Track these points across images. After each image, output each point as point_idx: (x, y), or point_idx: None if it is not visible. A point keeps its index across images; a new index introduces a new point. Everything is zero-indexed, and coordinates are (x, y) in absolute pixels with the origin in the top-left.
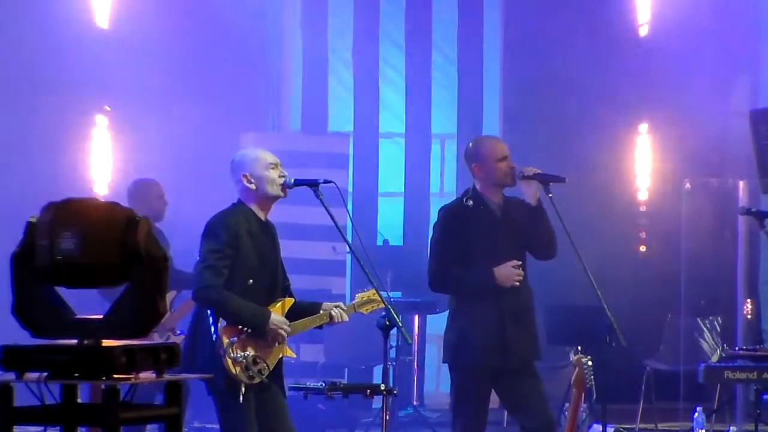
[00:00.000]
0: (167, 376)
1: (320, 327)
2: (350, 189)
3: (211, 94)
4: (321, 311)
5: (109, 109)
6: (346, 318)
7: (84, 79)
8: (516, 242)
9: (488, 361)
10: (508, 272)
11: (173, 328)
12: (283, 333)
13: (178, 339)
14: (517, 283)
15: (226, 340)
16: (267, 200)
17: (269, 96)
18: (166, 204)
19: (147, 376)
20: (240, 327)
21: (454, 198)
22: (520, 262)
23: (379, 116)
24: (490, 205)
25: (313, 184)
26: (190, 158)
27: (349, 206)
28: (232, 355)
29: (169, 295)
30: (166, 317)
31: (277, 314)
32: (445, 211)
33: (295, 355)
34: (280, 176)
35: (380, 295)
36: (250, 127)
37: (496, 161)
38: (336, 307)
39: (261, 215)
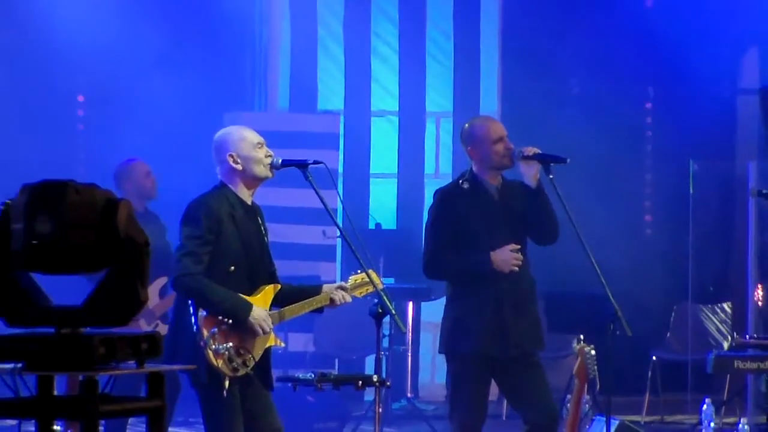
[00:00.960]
0: (148, 367)
1: (320, 310)
2: (341, 170)
3: (193, 71)
4: (322, 293)
5: (82, 98)
6: (349, 299)
7: (63, 56)
8: (515, 226)
9: (486, 349)
10: (505, 256)
11: (164, 315)
12: (261, 330)
13: (166, 329)
14: (516, 269)
15: (206, 331)
16: (254, 181)
17: (255, 73)
18: (154, 181)
19: (127, 367)
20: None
21: (450, 180)
22: (519, 246)
23: (371, 94)
24: (487, 188)
25: (301, 165)
26: (170, 139)
27: (340, 188)
28: (213, 346)
29: (161, 281)
30: (155, 304)
31: (260, 308)
32: (440, 194)
33: (283, 344)
34: (266, 156)
35: (372, 279)
36: (235, 105)
37: (492, 143)
38: (338, 288)
39: (246, 198)
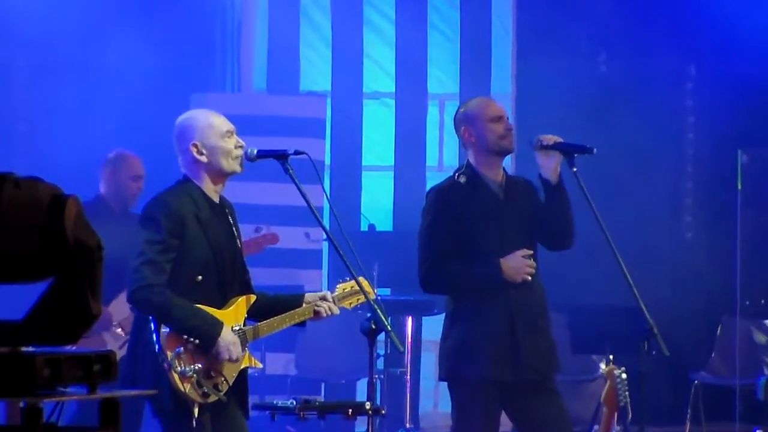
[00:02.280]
0: (101, 393)
1: (302, 325)
2: (327, 162)
3: (154, 44)
4: (304, 305)
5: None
6: (336, 311)
7: (7, 25)
8: (524, 228)
9: (496, 374)
10: (517, 263)
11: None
12: (227, 357)
13: None
14: (529, 278)
15: (170, 351)
16: (220, 176)
17: (227, 47)
18: (140, 189)
19: (77, 392)
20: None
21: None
22: (531, 252)
23: (363, 72)
24: (488, 184)
25: (280, 156)
26: (128, 125)
27: (326, 183)
28: (178, 368)
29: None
30: (124, 317)
31: (229, 331)
32: (435, 193)
33: (260, 365)
34: (236, 146)
35: (362, 287)
36: (203, 85)
37: (489, 121)
38: (322, 298)
39: (213, 195)
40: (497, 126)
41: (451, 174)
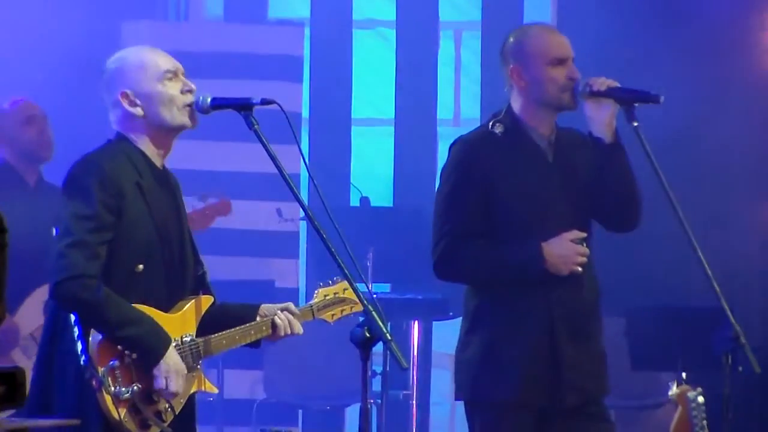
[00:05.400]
0: (5, 422)
1: (256, 344)
2: (305, 114)
3: None
4: (258, 318)
5: None
6: (298, 329)
7: None
8: (578, 202)
9: (531, 396)
10: (565, 249)
11: None
12: (165, 387)
13: None
14: (579, 269)
15: (100, 365)
16: (163, 134)
17: None
18: (42, 132)
19: None
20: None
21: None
22: (585, 235)
23: None
24: (534, 139)
25: (243, 107)
26: (45, 68)
27: (305, 143)
28: (111, 388)
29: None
30: (37, 326)
31: (174, 353)
32: (461, 146)
33: (216, 390)
34: (183, 92)
35: (355, 290)
36: (138, 11)
37: (549, 64)
38: (283, 310)
39: (155, 158)
40: (559, 72)
41: (486, 122)
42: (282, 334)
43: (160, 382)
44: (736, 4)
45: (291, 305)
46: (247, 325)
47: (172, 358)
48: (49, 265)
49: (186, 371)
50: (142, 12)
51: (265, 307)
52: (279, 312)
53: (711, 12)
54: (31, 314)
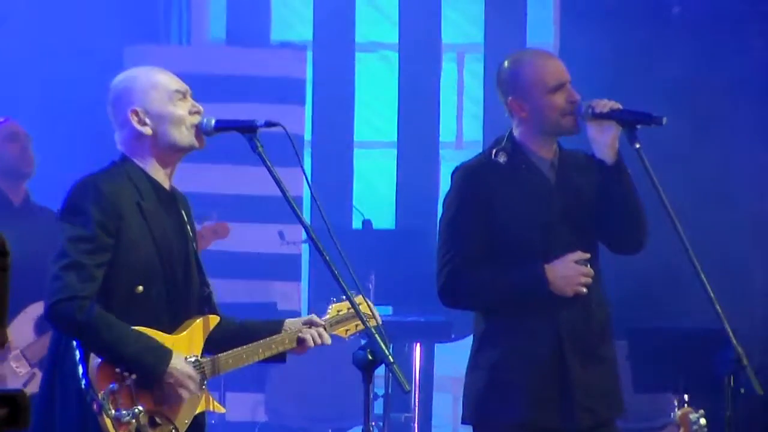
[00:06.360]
0: None
1: (281, 358)
2: (308, 137)
3: None
4: (283, 332)
5: None
6: (327, 339)
7: None
8: (581, 224)
9: (540, 418)
10: (569, 271)
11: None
12: (182, 392)
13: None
14: (584, 290)
15: (101, 389)
16: (171, 153)
17: None
18: (24, 149)
19: None
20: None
21: (480, 152)
22: (588, 256)
23: (356, 17)
24: (536, 163)
25: (246, 129)
26: (46, 90)
27: (308, 165)
28: (111, 411)
29: (38, 309)
30: (28, 344)
31: (180, 357)
32: (464, 173)
33: (224, 410)
34: (191, 113)
35: (357, 312)
36: (142, 35)
37: (548, 92)
38: (306, 323)
39: (162, 179)
40: (558, 98)
41: (487, 149)
42: (312, 345)
43: (176, 391)
44: (736, 21)
45: (315, 317)
46: (261, 341)
47: (179, 362)
48: (45, 288)
49: (197, 375)
50: (144, 35)
51: (290, 322)
52: (304, 326)
53: (712, 33)
54: (22, 331)
